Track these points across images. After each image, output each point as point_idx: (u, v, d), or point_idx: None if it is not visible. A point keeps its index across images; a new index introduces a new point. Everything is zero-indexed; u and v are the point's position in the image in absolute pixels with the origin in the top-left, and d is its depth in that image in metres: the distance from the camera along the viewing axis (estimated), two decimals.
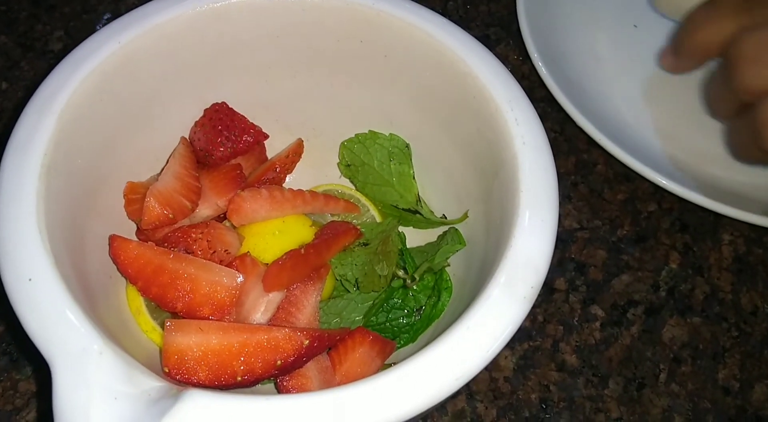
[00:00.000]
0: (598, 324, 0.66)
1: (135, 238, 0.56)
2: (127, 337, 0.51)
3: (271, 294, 0.51)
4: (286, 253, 0.52)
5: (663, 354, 0.65)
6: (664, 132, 0.76)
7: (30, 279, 0.41)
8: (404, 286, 0.55)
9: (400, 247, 0.56)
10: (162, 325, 0.53)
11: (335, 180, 0.64)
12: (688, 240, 0.71)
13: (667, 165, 0.72)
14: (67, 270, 0.44)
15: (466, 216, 0.55)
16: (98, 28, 0.73)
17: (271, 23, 0.55)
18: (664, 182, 0.69)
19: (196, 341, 0.47)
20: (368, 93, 0.59)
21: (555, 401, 0.62)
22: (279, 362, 0.48)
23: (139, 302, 0.53)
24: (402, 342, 0.56)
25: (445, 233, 0.57)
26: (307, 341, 0.48)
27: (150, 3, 0.52)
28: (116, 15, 0.81)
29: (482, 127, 0.52)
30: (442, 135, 0.57)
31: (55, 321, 0.40)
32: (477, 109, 0.52)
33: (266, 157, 0.63)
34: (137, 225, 0.56)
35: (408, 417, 0.40)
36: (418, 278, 0.53)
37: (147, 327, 0.52)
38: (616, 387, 0.63)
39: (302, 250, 0.52)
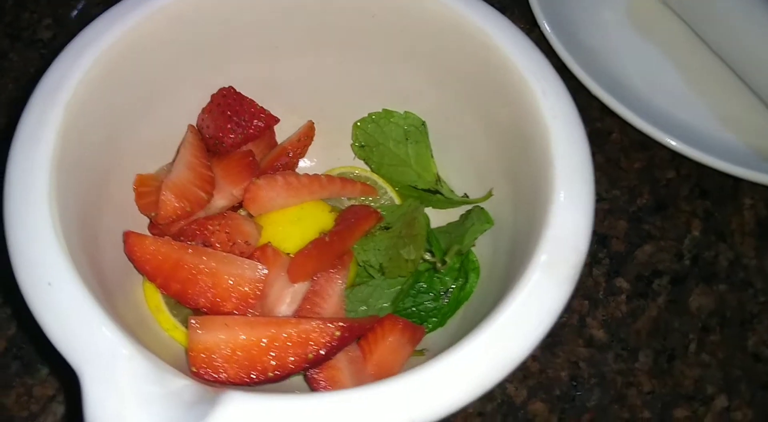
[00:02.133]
0: (623, 296, 0.65)
1: (148, 233, 0.54)
2: (148, 336, 0.49)
3: (296, 285, 0.49)
4: (310, 242, 0.50)
5: (691, 324, 0.64)
6: (678, 97, 0.75)
7: (49, 284, 0.39)
8: (433, 269, 0.53)
9: (423, 231, 0.54)
10: (183, 322, 0.51)
11: (349, 162, 0.61)
12: (708, 206, 0.70)
13: (683, 130, 0.71)
14: (86, 271, 0.42)
15: (490, 194, 0.53)
16: (73, 16, 0.71)
17: (277, 1, 0.53)
18: (681, 148, 0.67)
19: (224, 338, 0.45)
20: (381, 69, 0.57)
21: (585, 377, 0.61)
22: (311, 355, 0.46)
23: (158, 299, 0.51)
24: (430, 326, 0.54)
25: (468, 212, 0.55)
26: (339, 332, 0.47)
27: None
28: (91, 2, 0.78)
29: (506, 101, 0.50)
30: (462, 110, 0.54)
31: (79, 328, 0.38)
32: (500, 82, 0.50)
33: (276, 142, 0.60)
34: (150, 219, 0.53)
35: (455, 410, 0.38)
36: (448, 261, 0.51)
37: (168, 325, 0.50)
38: (646, 360, 0.62)
39: (326, 238, 0.50)
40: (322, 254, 0.49)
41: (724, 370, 0.62)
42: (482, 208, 0.54)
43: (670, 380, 0.61)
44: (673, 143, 0.67)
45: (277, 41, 0.56)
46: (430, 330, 0.54)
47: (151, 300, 0.51)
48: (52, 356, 0.38)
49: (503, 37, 0.49)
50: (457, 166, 0.58)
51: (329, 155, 0.62)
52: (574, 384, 0.60)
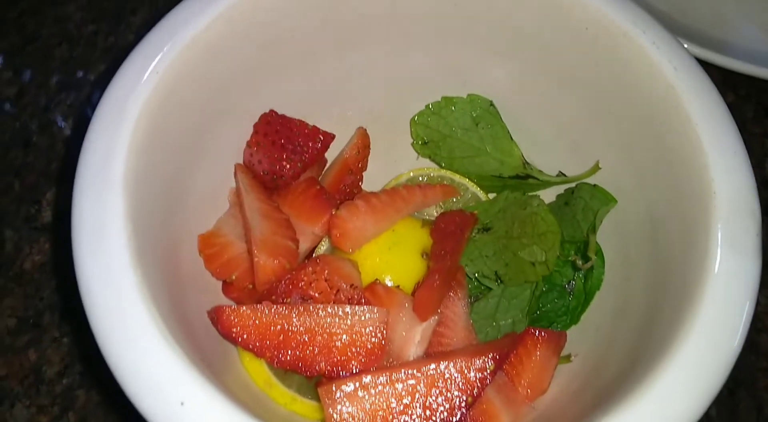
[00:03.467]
0: None
1: (228, 301, 0.46)
2: (268, 415, 0.42)
3: (422, 322, 0.43)
4: (430, 271, 0.43)
5: None
6: (721, 15, 0.70)
7: (182, 404, 0.32)
8: (573, 267, 0.47)
9: (555, 227, 0.47)
10: (299, 391, 0.44)
11: (412, 164, 0.54)
12: None
13: (731, 47, 0.66)
14: (198, 365, 0.35)
15: (597, 167, 0.47)
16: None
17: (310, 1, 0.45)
18: (735, 65, 0.63)
19: (365, 406, 0.39)
20: (433, 55, 0.50)
21: None
22: (469, 399, 0.40)
23: (265, 374, 0.44)
24: (560, 326, 0.48)
25: (571, 192, 0.49)
26: (492, 364, 0.41)
27: (172, 14, 0.41)
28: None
29: (603, 60, 0.44)
30: (541, 80, 0.48)
31: None
32: (592, 39, 0.43)
33: (325, 159, 0.53)
34: (225, 282, 0.46)
35: None
36: (593, 256, 0.45)
37: (285, 400, 0.44)
38: (767, 301, 0.58)
39: (445, 260, 0.43)
40: (445, 281, 0.43)
41: None
42: (592, 185, 0.48)
43: None
44: (725, 61, 0.63)
45: (312, 47, 0.48)
46: (563, 329, 0.48)
47: (258, 376, 0.44)
48: None
49: None
50: (540, 143, 0.51)
51: (387, 162, 0.54)
52: None
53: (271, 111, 0.49)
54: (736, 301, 0.36)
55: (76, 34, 0.68)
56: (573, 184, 0.49)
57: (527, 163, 0.50)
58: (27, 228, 0.58)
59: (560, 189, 0.51)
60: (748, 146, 0.61)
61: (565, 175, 0.50)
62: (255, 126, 0.48)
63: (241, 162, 0.49)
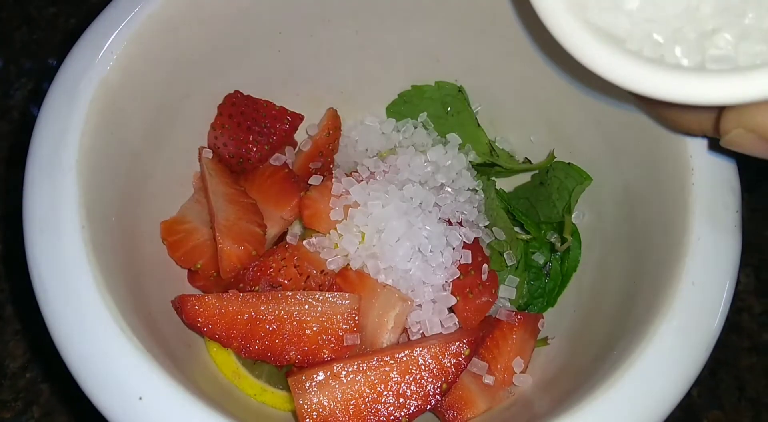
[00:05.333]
0: None
1: (194, 289, 0.45)
2: (237, 408, 0.41)
3: (397, 307, 0.41)
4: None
5: None
6: None
7: (140, 398, 0.30)
8: (551, 251, 0.45)
9: (503, 208, 0.46)
10: (270, 381, 0.43)
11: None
12: None
13: None
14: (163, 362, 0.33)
15: (552, 156, 0.47)
16: None
17: None
18: None
19: (336, 395, 0.38)
20: (404, 32, 0.48)
21: None
22: (444, 386, 0.39)
23: (233, 365, 0.42)
24: (536, 308, 0.47)
25: (545, 171, 0.48)
26: (467, 349, 0.39)
27: None
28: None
29: None
30: (514, 57, 0.46)
31: None
32: None
33: (294, 140, 0.51)
34: (190, 270, 0.44)
35: None
36: (569, 238, 0.43)
37: (254, 391, 0.42)
38: (748, 280, 0.57)
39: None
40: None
41: None
42: (567, 163, 0.46)
43: None
44: None
45: (279, 25, 0.46)
46: (539, 312, 0.47)
47: (225, 367, 0.42)
48: None
49: None
50: (515, 123, 0.50)
51: None
52: None
53: (236, 91, 0.47)
54: (715, 280, 0.35)
55: (36, 17, 0.66)
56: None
57: (494, 150, 0.49)
58: None
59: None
60: None
61: (530, 162, 0.49)
62: (219, 107, 0.47)
63: (205, 145, 0.47)
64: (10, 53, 0.64)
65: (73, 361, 0.32)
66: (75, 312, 0.32)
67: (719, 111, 0.31)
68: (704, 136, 0.34)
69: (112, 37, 0.38)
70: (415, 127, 0.50)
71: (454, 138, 0.49)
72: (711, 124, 0.32)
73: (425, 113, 0.51)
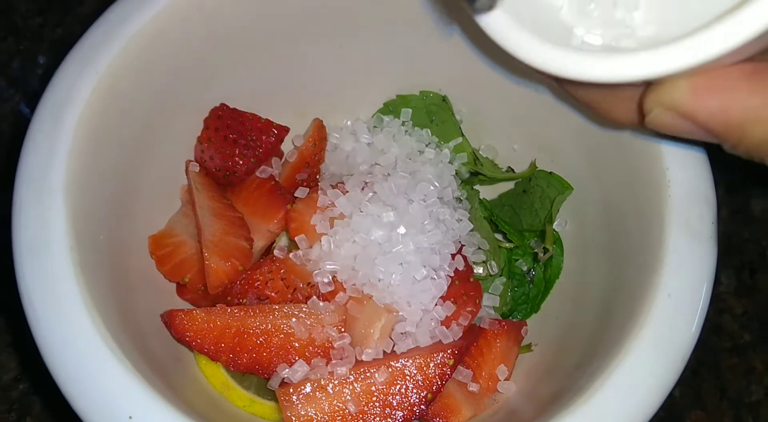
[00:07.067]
0: None
1: (183, 303, 0.45)
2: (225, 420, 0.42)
3: (383, 317, 0.42)
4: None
5: (760, 230, 0.60)
6: None
7: (130, 418, 0.31)
8: (534, 259, 0.46)
9: (486, 218, 0.47)
10: (258, 392, 0.44)
11: None
12: None
13: None
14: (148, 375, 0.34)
15: (534, 167, 0.48)
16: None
17: None
18: None
19: (323, 407, 0.39)
20: (388, 44, 0.49)
21: None
22: (429, 395, 0.40)
23: (222, 377, 0.43)
24: (520, 315, 0.48)
25: (528, 180, 0.49)
26: (452, 360, 0.40)
27: (112, 9, 0.40)
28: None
29: None
30: (497, 68, 0.47)
31: None
32: None
33: (281, 151, 0.52)
34: (178, 283, 0.45)
35: None
36: (550, 248, 0.44)
37: (243, 402, 0.43)
38: (729, 282, 0.58)
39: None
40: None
41: None
42: (548, 172, 0.47)
43: (759, 295, 0.58)
44: None
45: (264, 39, 0.47)
46: (523, 318, 0.48)
47: (215, 379, 0.43)
48: None
49: None
50: (497, 133, 0.51)
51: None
52: None
53: (222, 105, 0.48)
54: (692, 287, 0.36)
55: (22, 26, 0.66)
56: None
57: (478, 159, 0.50)
58: None
59: None
60: None
61: (513, 171, 0.50)
62: (205, 121, 0.47)
63: (192, 158, 0.48)
64: None
65: (64, 381, 0.33)
66: (64, 334, 0.33)
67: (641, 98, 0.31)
68: (633, 127, 0.34)
69: (96, 58, 0.39)
70: (406, 131, 0.51)
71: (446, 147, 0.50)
72: (635, 111, 0.33)
73: (410, 110, 0.51)
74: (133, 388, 0.32)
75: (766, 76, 0.28)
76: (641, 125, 0.33)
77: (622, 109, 0.33)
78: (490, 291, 0.46)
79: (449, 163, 0.49)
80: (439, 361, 0.40)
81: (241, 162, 0.47)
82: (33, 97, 0.63)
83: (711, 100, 0.28)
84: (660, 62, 0.27)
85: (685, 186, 0.37)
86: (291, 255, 0.43)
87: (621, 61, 0.28)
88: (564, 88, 0.35)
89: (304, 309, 0.41)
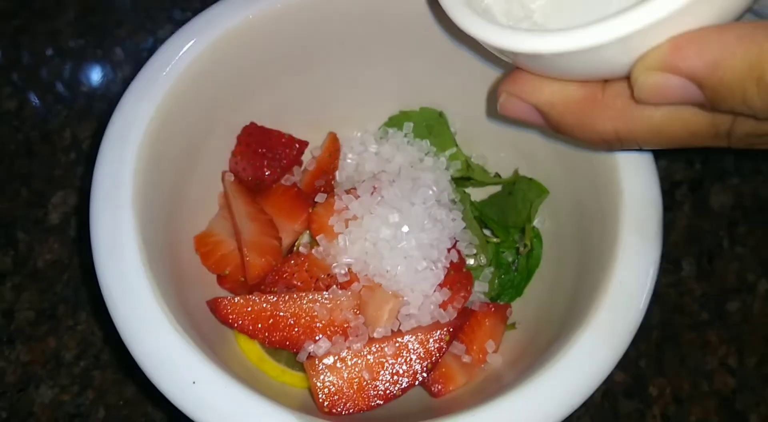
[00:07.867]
0: None
1: (223, 291, 0.54)
2: (263, 387, 0.50)
3: (390, 302, 0.51)
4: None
5: (717, 222, 0.68)
6: None
7: (194, 382, 0.40)
8: (517, 252, 0.55)
9: (476, 218, 0.56)
10: (288, 364, 0.52)
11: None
12: None
13: None
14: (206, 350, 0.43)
15: (517, 175, 0.56)
16: None
17: (279, 27, 0.52)
18: None
19: (343, 375, 0.47)
20: (394, 68, 0.57)
21: None
22: (429, 365, 0.48)
23: (258, 352, 0.52)
24: (507, 298, 0.57)
25: (512, 184, 0.57)
26: (448, 336, 0.49)
27: (163, 48, 0.48)
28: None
29: None
30: (488, 88, 0.55)
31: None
32: None
33: (300, 160, 0.60)
34: (219, 275, 0.53)
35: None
36: (528, 244, 0.53)
37: (275, 373, 0.52)
38: (690, 268, 0.66)
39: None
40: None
41: (759, 256, 0.67)
42: (529, 178, 0.56)
43: (716, 279, 0.66)
44: None
45: (283, 66, 0.55)
46: (508, 301, 0.57)
47: (252, 354, 0.52)
48: None
49: None
50: (487, 144, 0.59)
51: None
52: None
53: (252, 123, 0.56)
54: (639, 275, 0.43)
55: (66, 48, 0.74)
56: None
57: (470, 166, 0.58)
58: (37, 230, 0.65)
59: None
60: None
61: (500, 176, 0.58)
62: (238, 137, 0.55)
63: (227, 169, 0.56)
64: (45, 83, 0.73)
65: (140, 356, 0.41)
66: (139, 319, 0.41)
67: None
68: (609, 146, 0.38)
69: (152, 92, 0.47)
70: (408, 142, 0.59)
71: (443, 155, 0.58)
72: (618, 117, 0.35)
73: (411, 123, 0.59)
74: (195, 360, 0.40)
75: (735, 24, 0.30)
76: (618, 141, 0.36)
77: (606, 116, 0.35)
78: (480, 279, 0.55)
79: (445, 169, 0.57)
80: (437, 337, 0.49)
81: (268, 172, 0.55)
82: (78, 112, 0.71)
83: (689, 49, 0.30)
84: (633, 19, 0.29)
85: (637, 193, 0.45)
86: (313, 251, 0.52)
87: (595, 27, 0.30)
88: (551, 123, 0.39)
89: (325, 295, 0.49)
